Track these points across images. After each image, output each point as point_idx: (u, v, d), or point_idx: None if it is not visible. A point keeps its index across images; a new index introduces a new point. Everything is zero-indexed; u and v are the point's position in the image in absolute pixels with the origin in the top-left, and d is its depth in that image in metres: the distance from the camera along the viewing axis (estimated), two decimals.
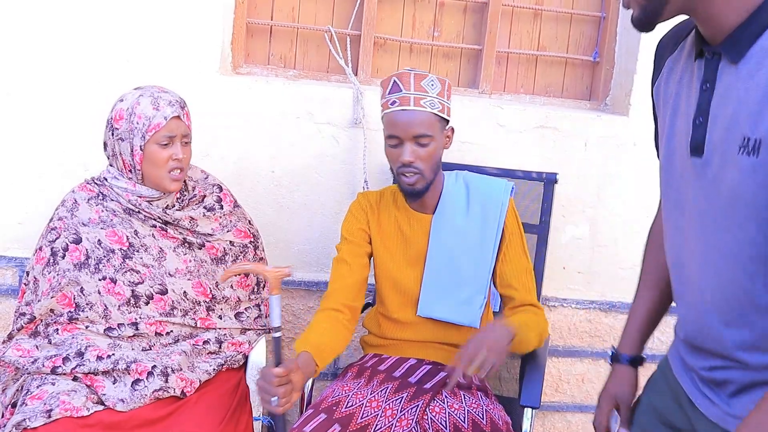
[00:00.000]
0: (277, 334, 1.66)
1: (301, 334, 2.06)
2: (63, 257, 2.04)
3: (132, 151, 2.02)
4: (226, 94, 2.54)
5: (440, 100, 2.01)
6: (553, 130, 2.66)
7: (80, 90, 2.49)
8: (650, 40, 2.63)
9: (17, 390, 2.03)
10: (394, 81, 2.01)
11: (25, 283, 2.11)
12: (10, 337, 2.08)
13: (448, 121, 2.05)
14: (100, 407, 1.91)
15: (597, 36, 2.86)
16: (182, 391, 1.98)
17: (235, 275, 1.68)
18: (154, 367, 1.98)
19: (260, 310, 2.27)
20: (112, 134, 2.04)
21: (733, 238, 1.18)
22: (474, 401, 2.03)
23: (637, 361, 1.64)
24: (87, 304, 2.03)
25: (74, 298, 2.03)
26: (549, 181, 2.45)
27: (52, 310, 2.04)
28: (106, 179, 2.11)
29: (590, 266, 2.74)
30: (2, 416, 2.07)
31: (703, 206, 1.22)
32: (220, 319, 2.17)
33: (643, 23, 1.21)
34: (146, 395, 1.93)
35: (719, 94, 1.18)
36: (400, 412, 1.98)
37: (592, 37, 2.87)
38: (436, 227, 2.13)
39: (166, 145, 2.02)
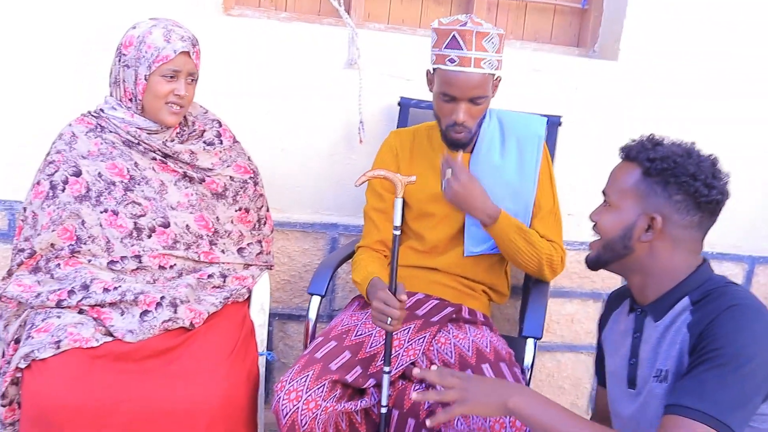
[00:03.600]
0: (397, 232, 1.83)
1: (356, 272, 2.14)
2: (63, 190, 2.00)
3: (136, 79, 1.98)
4: (219, 35, 2.51)
5: (497, 57, 1.98)
6: (545, 75, 2.69)
7: (68, 27, 2.44)
8: None
9: (20, 326, 1.99)
10: (454, 36, 1.93)
11: (21, 219, 2.07)
12: (9, 273, 2.04)
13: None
14: (109, 338, 1.89)
15: None
16: (191, 322, 1.97)
17: (368, 180, 1.81)
18: (162, 298, 1.96)
19: (261, 247, 2.27)
20: (119, 60, 2.00)
21: None
22: (479, 333, 2.08)
23: None
24: (89, 237, 2.01)
25: (75, 231, 2.00)
26: (553, 123, 2.46)
27: (52, 245, 2.00)
28: (102, 110, 2.07)
29: (580, 208, 2.79)
30: (3, 354, 2.04)
31: (642, 422, 1.59)
32: (223, 253, 2.16)
33: (596, 264, 1.64)
34: (155, 326, 1.92)
35: (646, 340, 1.59)
36: (408, 342, 2.01)
37: None
38: (474, 166, 2.14)
39: (171, 78, 1.99)
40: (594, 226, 1.63)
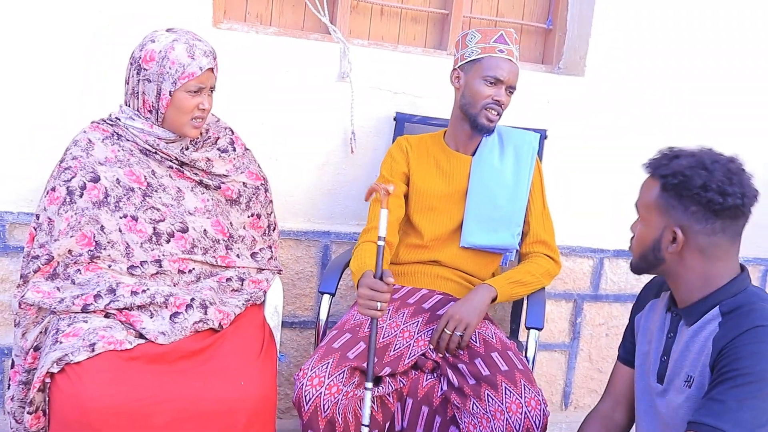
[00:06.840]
0: (381, 243, 1.87)
1: (354, 261, 2.16)
2: (81, 196, 2.00)
3: (159, 94, 2.01)
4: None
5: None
6: (518, 89, 2.85)
7: (49, 40, 2.43)
8: (604, 9, 2.91)
9: (40, 333, 1.96)
10: (501, 34, 2.28)
11: (34, 227, 2.05)
12: (24, 280, 2.00)
13: None
14: (142, 341, 1.90)
15: (549, 5, 3.10)
16: (220, 323, 2.00)
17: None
18: (192, 300, 1.98)
19: (272, 252, 2.32)
20: (138, 73, 2.01)
21: None
22: (482, 325, 2.21)
23: None
24: (108, 242, 2.01)
25: (94, 237, 2.00)
26: (540, 137, 2.62)
27: (70, 251, 1.99)
28: (119, 119, 2.08)
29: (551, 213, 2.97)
30: (12, 365, 2.00)
31: (663, 417, 1.72)
32: (238, 258, 2.20)
33: (637, 271, 1.74)
34: (187, 327, 1.94)
35: (677, 341, 1.69)
36: (417, 334, 2.13)
37: (545, 6, 3.11)
38: (476, 167, 2.34)
39: (195, 93, 2.03)
40: (632, 237, 1.73)
